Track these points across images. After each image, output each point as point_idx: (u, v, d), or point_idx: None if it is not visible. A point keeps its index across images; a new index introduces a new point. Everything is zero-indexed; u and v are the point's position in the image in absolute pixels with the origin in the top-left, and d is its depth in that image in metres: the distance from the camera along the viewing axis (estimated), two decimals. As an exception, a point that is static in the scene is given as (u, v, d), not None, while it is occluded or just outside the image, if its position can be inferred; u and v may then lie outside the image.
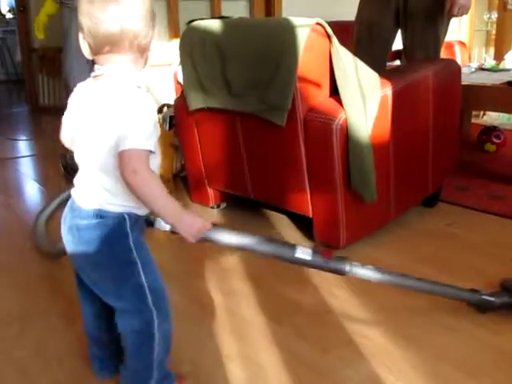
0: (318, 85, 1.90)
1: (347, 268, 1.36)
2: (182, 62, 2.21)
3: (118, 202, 1.11)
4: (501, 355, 1.43)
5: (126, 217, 1.11)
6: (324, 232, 2.05)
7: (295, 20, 1.85)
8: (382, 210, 2.11)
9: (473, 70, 3.52)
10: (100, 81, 1.09)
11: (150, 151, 1.05)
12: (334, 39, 1.84)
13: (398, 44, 2.75)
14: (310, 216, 2.05)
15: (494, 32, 5.15)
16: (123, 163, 1.03)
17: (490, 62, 3.94)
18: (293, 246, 1.34)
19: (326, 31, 1.84)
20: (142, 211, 1.15)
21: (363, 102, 1.85)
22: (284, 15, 4.96)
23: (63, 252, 1.75)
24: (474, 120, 4.16)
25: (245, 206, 2.50)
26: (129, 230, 1.12)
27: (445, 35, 2.64)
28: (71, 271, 1.25)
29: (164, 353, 1.21)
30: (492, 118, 4.28)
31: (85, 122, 1.10)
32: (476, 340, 1.49)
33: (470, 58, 4.43)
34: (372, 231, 2.12)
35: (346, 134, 1.84)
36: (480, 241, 2.15)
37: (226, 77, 2.04)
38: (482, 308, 1.58)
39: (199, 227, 1.12)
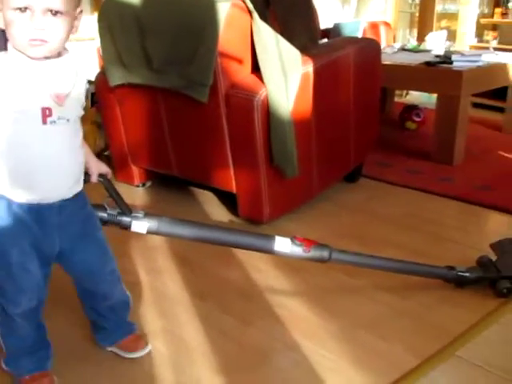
0: (239, 61, 1.90)
1: (326, 255, 1.43)
2: (101, 36, 2.14)
3: None
4: (413, 321, 1.50)
5: None
6: (248, 207, 2.06)
7: (216, -5, 1.83)
8: (304, 185, 2.15)
9: (395, 50, 3.61)
10: None
11: None
12: (255, 15, 1.84)
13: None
14: (234, 192, 2.06)
15: (417, 14, 5.28)
16: None
17: (412, 42, 4.06)
18: (271, 238, 1.35)
19: (247, 6, 1.83)
20: (20, 196, 1.07)
21: (284, 78, 1.86)
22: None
23: None
24: (397, 99, 4.30)
25: (170, 184, 2.48)
26: None
27: None
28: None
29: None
30: (414, 97, 4.44)
31: None
32: (391, 308, 1.56)
33: (394, 39, 4.53)
34: (295, 207, 2.16)
35: (268, 110, 1.85)
36: (398, 214, 2.23)
37: (146, 52, 1.99)
38: (459, 283, 1.63)
39: None
